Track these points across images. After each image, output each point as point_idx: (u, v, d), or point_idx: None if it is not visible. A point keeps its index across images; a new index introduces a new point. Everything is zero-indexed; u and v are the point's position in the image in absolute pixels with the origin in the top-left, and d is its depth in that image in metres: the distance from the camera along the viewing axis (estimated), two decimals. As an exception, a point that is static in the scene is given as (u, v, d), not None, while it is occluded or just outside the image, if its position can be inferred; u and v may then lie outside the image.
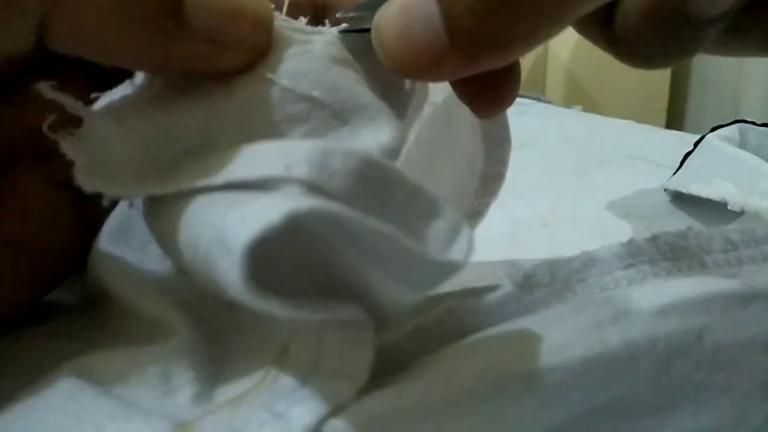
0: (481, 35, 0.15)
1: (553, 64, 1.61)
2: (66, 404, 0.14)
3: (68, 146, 0.15)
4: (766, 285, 0.18)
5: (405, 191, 0.14)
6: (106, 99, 0.17)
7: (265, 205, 0.12)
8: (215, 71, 0.16)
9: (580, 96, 1.54)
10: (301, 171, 0.13)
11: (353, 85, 0.17)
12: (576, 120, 0.80)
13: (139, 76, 0.17)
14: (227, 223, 0.12)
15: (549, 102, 0.92)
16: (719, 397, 0.16)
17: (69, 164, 0.15)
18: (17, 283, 0.18)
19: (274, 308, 0.12)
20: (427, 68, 0.15)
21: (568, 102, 1.37)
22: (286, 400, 0.13)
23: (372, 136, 0.16)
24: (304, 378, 0.14)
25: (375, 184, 0.14)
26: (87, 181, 0.15)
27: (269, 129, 0.16)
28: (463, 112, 0.22)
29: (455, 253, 0.14)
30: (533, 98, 0.87)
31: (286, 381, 0.14)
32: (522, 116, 0.74)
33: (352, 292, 0.14)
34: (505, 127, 0.24)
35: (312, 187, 0.13)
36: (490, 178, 0.24)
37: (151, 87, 0.17)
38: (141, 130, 0.16)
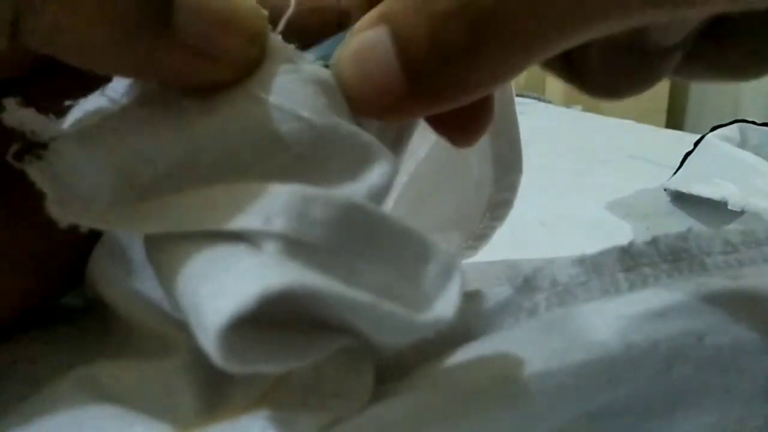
0: (441, 79, 0.14)
1: (553, 64, 1.60)
2: (69, 412, 0.14)
3: (35, 174, 0.14)
4: (766, 287, 0.18)
5: (393, 236, 0.13)
6: (76, 112, 0.15)
7: (239, 279, 0.12)
8: (198, 85, 0.15)
9: (580, 96, 1.54)
10: (279, 223, 0.12)
11: (344, 113, 0.16)
12: (576, 120, 0.80)
13: (112, 87, 0.15)
14: (202, 297, 0.12)
15: (549, 102, 0.92)
16: (719, 399, 0.16)
17: None
18: (23, 290, 0.18)
19: (260, 370, 0.12)
20: (387, 109, 0.15)
21: (568, 102, 1.37)
22: (288, 413, 0.13)
23: (362, 172, 0.15)
24: (304, 397, 0.14)
25: (359, 231, 0.13)
26: (61, 213, 0.14)
27: (253, 151, 0.15)
28: None
29: (446, 299, 0.13)
30: (533, 98, 0.87)
31: (288, 397, 0.14)
32: (522, 116, 0.74)
33: (341, 328, 0.14)
34: (517, 153, 0.24)
35: (290, 242, 0.12)
36: (498, 205, 0.24)
37: (123, 99, 0.15)
38: (111, 150, 0.14)
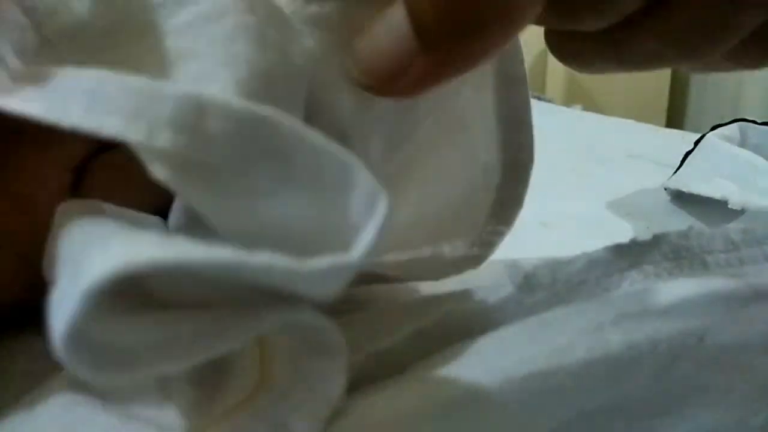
0: (450, 23, 0.14)
1: (553, 64, 1.61)
2: (62, 416, 0.13)
3: None
4: (767, 285, 0.18)
5: (310, 157, 0.11)
6: None
7: (96, 258, 0.09)
8: None
9: (580, 95, 1.54)
10: (165, 137, 0.10)
11: None
12: (576, 119, 0.80)
13: None
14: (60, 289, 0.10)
15: (549, 101, 0.92)
16: (720, 398, 0.16)
17: (80, 143, 0.13)
18: (14, 282, 0.18)
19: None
20: (396, 77, 0.15)
21: (568, 101, 1.37)
22: (284, 409, 0.13)
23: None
24: (285, 395, 0.14)
25: (267, 150, 0.11)
26: None
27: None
28: (482, 117, 0.21)
29: (369, 233, 0.10)
30: (533, 97, 0.87)
31: (278, 389, 0.14)
32: (522, 116, 0.74)
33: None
34: (529, 139, 0.22)
35: (179, 161, 0.10)
36: (507, 203, 0.22)
37: None
38: None
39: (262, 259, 0.10)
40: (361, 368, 0.15)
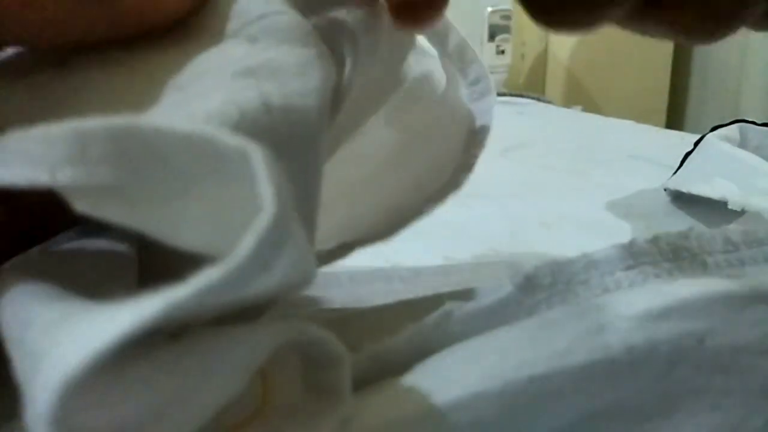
0: None
1: (553, 64, 1.61)
2: None
3: None
4: (767, 286, 0.18)
5: (191, 156, 0.11)
6: None
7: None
8: (159, 23, 0.14)
9: (580, 96, 1.54)
10: (65, 174, 0.11)
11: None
12: (576, 120, 0.80)
13: None
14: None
15: (549, 102, 0.92)
16: (719, 400, 0.16)
17: None
18: None
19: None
20: None
21: (568, 102, 1.37)
22: (293, 424, 0.13)
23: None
24: (297, 406, 0.13)
25: (150, 160, 0.11)
26: None
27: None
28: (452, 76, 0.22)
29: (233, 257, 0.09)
30: (533, 98, 0.87)
31: (285, 405, 0.14)
32: (522, 116, 0.74)
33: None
34: (487, 79, 0.22)
35: (85, 192, 0.11)
36: (476, 131, 0.23)
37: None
38: None
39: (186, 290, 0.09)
40: (360, 369, 0.15)
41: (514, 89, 1.09)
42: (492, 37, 1.33)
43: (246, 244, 0.09)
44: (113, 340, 0.09)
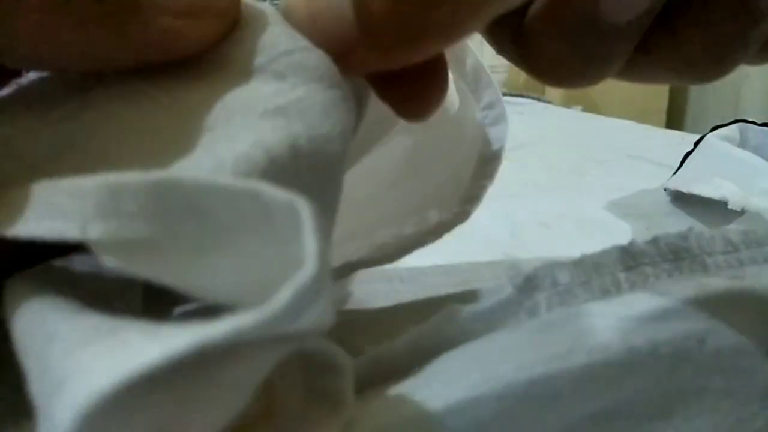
0: (395, 23, 0.13)
1: (553, 64, 1.60)
2: None
3: None
4: (767, 287, 0.18)
5: (224, 206, 0.11)
6: None
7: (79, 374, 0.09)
8: (181, 53, 0.13)
9: (579, 96, 1.54)
10: (96, 229, 0.11)
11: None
12: (576, 120, 0.80)
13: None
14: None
15: (549, 102, 0.92)
16: (719, 401, 0.16)
17: None
18: None
19: None
20: (334, 56, 0.14)
21: (568, 102, 1.37)
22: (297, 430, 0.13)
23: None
24: (301, 412, 0.13)
25: (185, 212, 0.11)
26: None
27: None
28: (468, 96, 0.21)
29: (275, 302, 0.09)
30: (533, 98, 0.87)
31: (290, 411, 0.13)
32: (522, 116, 0.74)
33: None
34: (501, 104, 0.22)
35: (117, 247, 0.11)
36: (488, 159, 0.22)
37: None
38: None
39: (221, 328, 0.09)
40: (362, 371, 0.15)
41: (514, 89, 1.09)
42: (492, 36, 1.32)
43: (284, 294, 0.09)
44: (141, 372, 0.09)
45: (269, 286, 0.10)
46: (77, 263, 0.14)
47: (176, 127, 0.13)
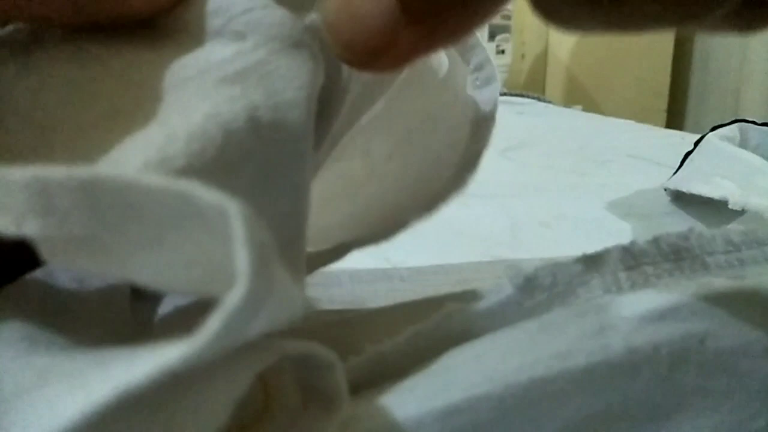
0: (437, 10, 0.13)
1: (553, 64, 1.61)
2: None
3: None
4: (767, 287, 0.18)
5: (158, 201, 0.10)
6: None
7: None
8: (135, 13, 0.12)
9: (580, 96, 1.54)
10: (32, 226, 0.10)
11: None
12: (576, 120, 0.80)
13: None
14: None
15: (549, 102, 0.92)
16: (720, 401, 0.16)
17: None
18: None
19: None
20: (382, 51, 0.13)
21: (568, 102, 1.37)
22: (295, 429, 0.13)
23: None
24: (298, 412, 0.13)
25: (118, 208, 0.10)
26: None
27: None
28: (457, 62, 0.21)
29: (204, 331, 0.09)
30: (533, 98, 0.87)
31: (287, 412, 0.13)
32: (521, 116, 0.74)
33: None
34: (490, 65, 0.21)
35: (56, 242, 0.10)
36: (480, 121, 0.21)
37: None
38: None
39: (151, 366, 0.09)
40: (361, 371, 0.15)
41: (514, 89, 1.09)
42: (492, 36, 1.33)
43: (213, 323, 0.09)
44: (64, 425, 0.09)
45: (227, 273, 0.09)
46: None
47: (128, 95, 0.12)
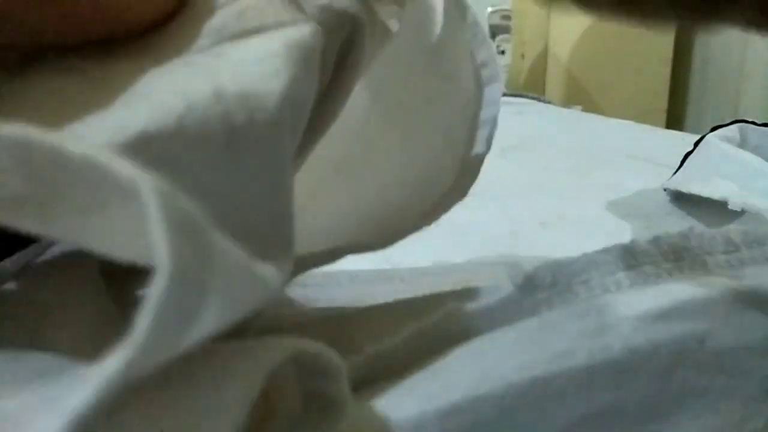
0: None
1: (553, 64, 1.61)
2: None
3: None
4: (767, 287, 0.18)
5: (84, 169, 0.09)
6: None
7: None
8: (117, 28, 0.12)
9: (580, 96, 1.54)
10: None
11: None
12: (576, 120, 0.80)
13: None
14: None
15: (549, 102, 0.92)
16: (720, 401, 0.16)
17: None
18: None
19: None
20: None
21: (568, 102, 1.37)
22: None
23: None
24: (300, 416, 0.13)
25: (53, 171, 0.10)
26: None
27: None
28: (462, 50, 0.20)
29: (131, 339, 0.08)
30: (533, 98, 0.87)
31: (289, 416, 0.13)
32: (521, 116, 0.74)
33: None
34: (495, 64, 0.21)
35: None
36: (481, 124, 0.21)
37: None
38: None
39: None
40: (360, 370, 0.15)
41: (514, 89, 1.09)
42: (492, 37, 1.33)
43: (141, 324, 0.08)
44: None
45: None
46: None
47: (98, 92, 0.12)
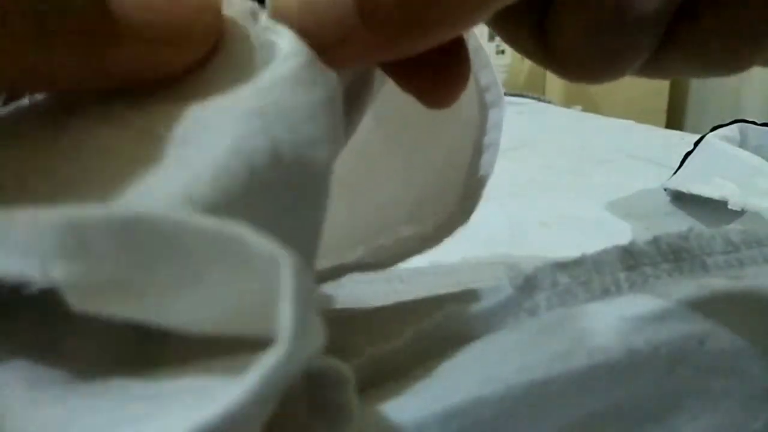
0: (398, 6, 0.13)
1: (553, 64, 1.60)
2: None
3: None
4: (767, 287, 0.18)
5: (197, 239, 0.10)
6: None
7: None
8: (155, 76, 0.13)
9: (580, 96, 1.54)
10: (60, 269, 0.09)
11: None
12: (576, 120, 0.80)
13: None
14: None
15: (549, 102, 0.92)
16: (719, 402, 0.16)
17: None
18: None
19: None
20: (330, 45, 0.13)
21: (568, 102, 1.37)
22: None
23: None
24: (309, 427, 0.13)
25: (152, 247, 0.10)
26: None
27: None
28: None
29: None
30: (533, 98, 0.87)
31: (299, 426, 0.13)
32: (522, 116, 0.74)
33: None
34: (497, 88, 0.21)
35: (84, 290, 0.10)
36: (485, 148, 0.21)
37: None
38: None
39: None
40: (361, 372, 0.15)
41: (514, 89, 1.09)
42: (492, 37, 1.32)
43: (251, 379, 0.09)
44: None
45: (257, 313, 0.09)
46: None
47: (147, 144, 0.12)
